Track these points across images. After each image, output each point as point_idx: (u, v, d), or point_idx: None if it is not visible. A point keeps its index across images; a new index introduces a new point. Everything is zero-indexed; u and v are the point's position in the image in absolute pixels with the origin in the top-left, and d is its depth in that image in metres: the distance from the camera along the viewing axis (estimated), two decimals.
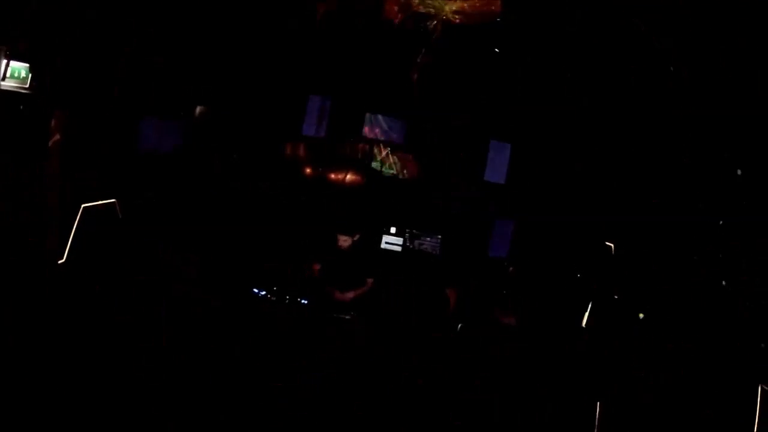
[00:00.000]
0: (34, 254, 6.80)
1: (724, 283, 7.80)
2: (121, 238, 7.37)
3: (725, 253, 7.91)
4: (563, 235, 8.83)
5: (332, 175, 9.28)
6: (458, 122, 9.14)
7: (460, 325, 7.73)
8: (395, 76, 9.08)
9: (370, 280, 8.21)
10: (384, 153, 9.40)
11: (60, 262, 6.82)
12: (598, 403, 6.60)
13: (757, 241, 7.75)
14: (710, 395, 6.57)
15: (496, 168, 9.04)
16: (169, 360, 6.32)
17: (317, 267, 8.17)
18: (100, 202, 7.27)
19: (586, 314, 8.00)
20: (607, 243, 8.59)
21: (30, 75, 7.20)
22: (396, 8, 8.83)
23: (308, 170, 9.18)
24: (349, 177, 9.30)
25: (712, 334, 7.42)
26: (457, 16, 8.64)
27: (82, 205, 7.01)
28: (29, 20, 7.10)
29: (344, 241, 8.15)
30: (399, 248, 9.19)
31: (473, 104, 9.16)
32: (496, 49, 8.93)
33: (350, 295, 8.05)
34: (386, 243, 9.16)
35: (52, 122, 7.31)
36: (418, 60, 8.97)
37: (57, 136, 7.30)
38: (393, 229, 9.16)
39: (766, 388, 6.33)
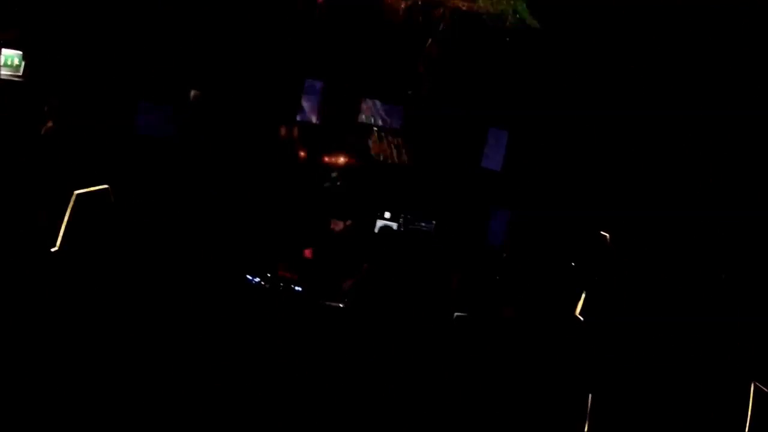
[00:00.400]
0: (27, 243, 6.82)
1: (723, 277, 7.78)
2: (115, 226, 7.38)
3: (724, 248, 7.88)
4: (559, 223, 8.79)
5: (327, 160, 9.22)
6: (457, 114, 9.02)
7: (456, 315, 7.76)
8: (397, 63, 8.99)
9: (365, 266, 8.22)
10: (380, 139, 9.31)
11: (53, 250, 6.84)
12: (590, 395, 6.66)
13: (756, 237, 7.71)
14: (703, 391, 6.61)
15: (493, 155, 8.96)
16: (163, 352, 6.38)
17: (309, 252, 8.18)
18: (93, 189, 7.26)
19: (580, 303, 8.01)
20: (603, 233, 8.57)
21: (23, 63, 7.18)
22: None
23: (302, 154, 9.12)
24: (344, 162, 9.24)
25: (707, 329, 7.43)
26: (465, 4, 8.50)
27: (75, 192, 7.01)
28: (22, 7, 7.04)
29: (336, 224, 8.14)
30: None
31: (474, 93, 9.05)
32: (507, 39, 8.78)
33: (348, 283, 8.09)
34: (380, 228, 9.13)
35: (46, 109, 7.29)
36: (424, 50, 8.86)
37: (50, 124, 7.28)
38: (387, 214, 9.12)
39: (758, 385, 6.36)
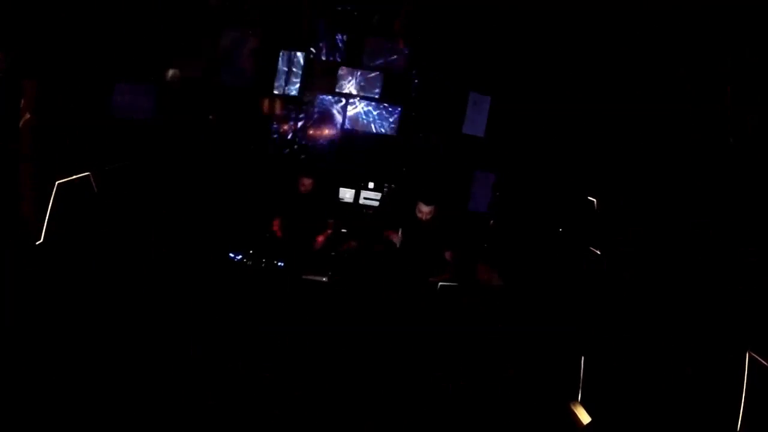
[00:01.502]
0: (11, 237, 7.01)
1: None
2: (99, 214, 7.53)
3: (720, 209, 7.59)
4: (545, 189, 8.61)
5: (309, 132, 9.19)
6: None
7: (440, 284, 7.80)
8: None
9: (330, 222, 8.31)
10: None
11: (38, 243, 7.05)
12: (583, 358, 6.69)
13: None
14: (697, 358, 6.51)
15: (475, 121, 8.76)
16: (149, 343, 6.59)
17: (277, 222, 8.28)
18: (74, 177, 7.40)
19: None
20: (590, 198, 8.38)
21: None
22: None
23: (284, 128, 9.11)
24: (324, 133, 9.19)
25: (701, 295, 7.25)
26: None
27: (57, 182, 7.15)
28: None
29: (304, 186, 8.18)
30: (376, 203, 9.17)
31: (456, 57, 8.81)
32: None
33: (319, 239, 8.20)
34: (364, 198, 9.13)
35: (23, 102, 7.36)
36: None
37: (28, 116, 7.37)
38: (371, 184, 9.11)
39: (754, 355, 6.23)
